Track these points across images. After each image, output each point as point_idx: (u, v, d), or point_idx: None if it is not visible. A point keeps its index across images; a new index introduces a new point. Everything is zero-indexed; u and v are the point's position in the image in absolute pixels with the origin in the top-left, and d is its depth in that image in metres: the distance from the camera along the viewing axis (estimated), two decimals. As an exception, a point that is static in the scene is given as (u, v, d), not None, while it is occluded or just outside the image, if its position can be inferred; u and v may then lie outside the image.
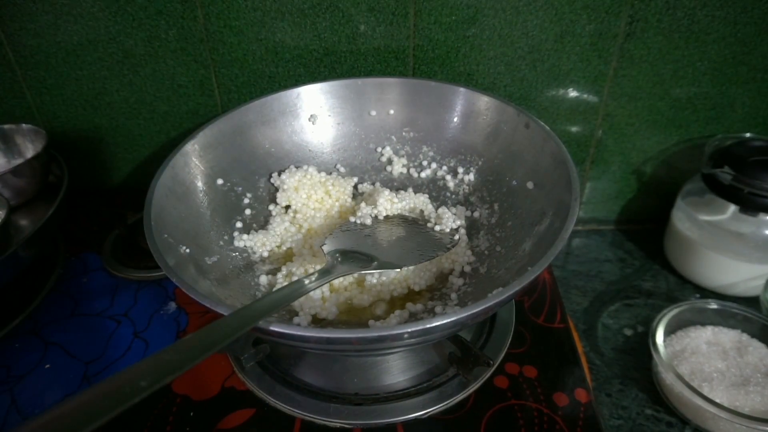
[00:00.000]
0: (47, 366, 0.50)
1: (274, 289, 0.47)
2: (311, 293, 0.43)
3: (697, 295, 0.61)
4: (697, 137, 0.64)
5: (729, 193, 0.56)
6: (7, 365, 0.50)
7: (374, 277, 0.48)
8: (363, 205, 0.52)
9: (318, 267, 0.48)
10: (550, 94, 0.62)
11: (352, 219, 0.51)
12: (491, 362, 0.44)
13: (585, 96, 0.61)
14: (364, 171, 0.60)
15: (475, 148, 0.56)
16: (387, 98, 0.58)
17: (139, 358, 0.50)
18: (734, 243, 0.58)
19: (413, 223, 0.51)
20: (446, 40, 0.59)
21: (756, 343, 0.51)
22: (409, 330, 0.32)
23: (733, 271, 0.58)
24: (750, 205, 0.55)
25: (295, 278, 0.48)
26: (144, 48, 0.61)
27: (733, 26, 0.56)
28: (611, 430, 0.48)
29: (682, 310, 0.52)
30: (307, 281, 0.38)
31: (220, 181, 0.52)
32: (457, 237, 0.50)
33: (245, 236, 0.52)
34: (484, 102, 0.54)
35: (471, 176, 0.56)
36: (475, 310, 0.33)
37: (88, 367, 0.50)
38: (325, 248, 0.45)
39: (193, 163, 0.50)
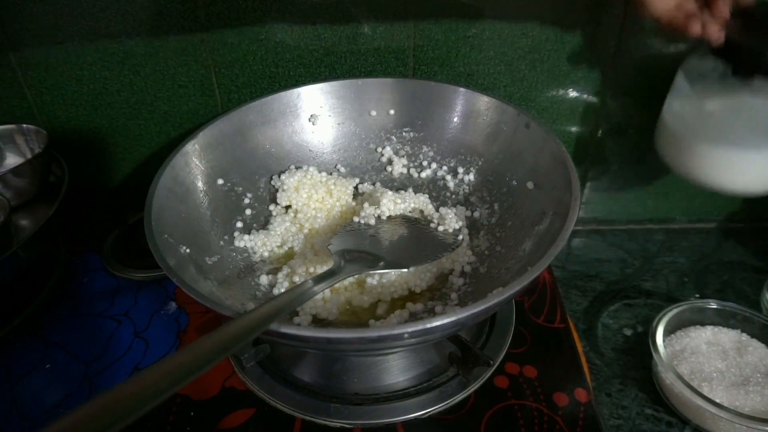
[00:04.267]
0: (48, 366, 0.50)
1: (275, 289, 0.48)
2: (312, 293, 0.43)
3: (697, 295, 0.61)
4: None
5: (746, 62, 0.47)
6: (8, 365, 0.50)
7: (374, 278, 0.48)
8: (366, 205, 0.52)
9: (320, 266, 0.48)
10: (550, 94, 0.62)
11: (356, 219, 0.51)
12: (491, 362, 0.44)
13: (585, 96, 0.61)
14: (365, 171, 0.60)
15: (475, 148, 0.56)
16: (387, 98, 0.58)
17: (140, 358, 0.50)
18: (741, 128, 0.50)
19: (416, 224, 0.52)
20: (446, 40, 0.59)
21: (756, 343, 0.51)
22: (409, 330, 0.32)
23: (740, 165, 0.50)
24: None
25: (296, 277, 0.48)
26: (144, 48, 0.61)
27: (733, 26, 0.56)
28: (611, 430, 0.48)
29: (681, 310, 0.52)
30: (315, 282, 0.38)
31: (220, 181, 0.52)
32: (460, 237, 0.50)
33: (246, 236, 0.52)
34: (484, 102, 0.55)
35: (471, 176, 0.56)
36: (475, 310, 0.33)
37: (89, 367, 0.50)
38: (332, 248, 0.45)
39: (194, 163, 0.50)
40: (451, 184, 0.57)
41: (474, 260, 0.50)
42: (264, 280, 0.49)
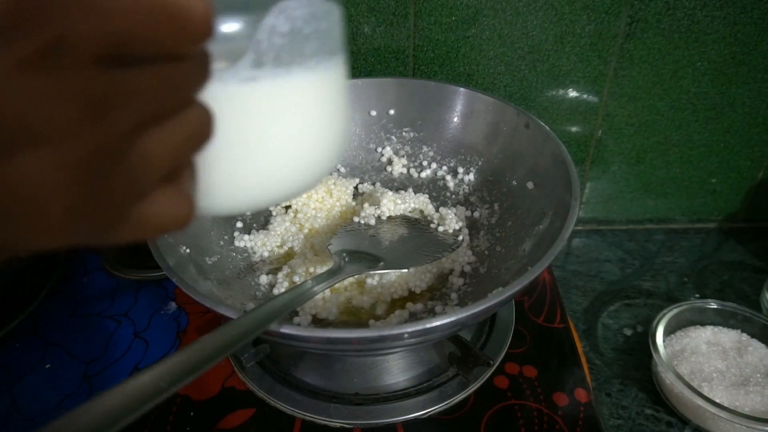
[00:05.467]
0: (47, 366, 0.50)
1: (275, 289, 0.48)
2: (311, 293, 0.43)
3: (697, 295, 0.61)
4: (697, 138, 0.64)
5: None
6: (7, 365, 0.50)
7: (374, 279, 0.48)
8: (366, 205, 0.52)
9: (320, 266, 0.48)
10: (550, 94, 0.62)
11: (356, 219, 0.51)
12: (491, 362, 0.44)
13: (585, 96, 0.61)
14: (365, 171, 0.60)
15: (475, 148, 0.56)
16: (387, 98, 0.58)
17: (140, 358, 0.50)
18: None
19: (416, 224, 0.52)
20: (446, 40, 0.59)
21: (756, 343, 0.51)
22: (409, 330, 0.32)
23: None
24: None
25: (296, 277, 0.48)
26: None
27: (733, 26, 0.56)
28: (611, 430, 0.48)
29: (682, 310, 0.52)
30: (316, 282, 0.38)
31: (220, 181, 0.52)
32: (460, 237, 0.50)
33: (246, 236, 0.52)
34: (484, 102, 0.54)
35: (471, 176, 0.56)
36: (475, 310, 0.33)
37: (89, 367, 0.50)
38: (332, 248, 0.45)
39: (194, 163, 0.50)
40: (451, 184, 0.57)
41: (474, 260, 0.50)
42: (264, 280, 0.49)
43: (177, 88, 0.17)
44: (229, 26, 0.23)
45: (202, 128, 0.19)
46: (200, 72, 0.18)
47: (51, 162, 0.13)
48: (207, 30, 0.17)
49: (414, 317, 0.45)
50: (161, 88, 0.16)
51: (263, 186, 0.26)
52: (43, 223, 0.14)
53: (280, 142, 0.25)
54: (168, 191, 0.19)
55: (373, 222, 0.50)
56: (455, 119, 0.57)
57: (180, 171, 0.20)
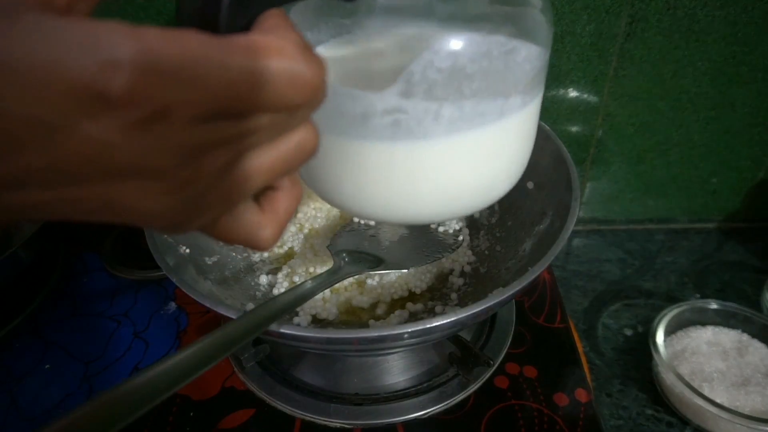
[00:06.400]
0: (47, 366, 0.50)
1: (275, 290, 0.48)
2: (311, 293, 0.43)
3: (697, 295, 0.61)
4: (697, 138, 0.64)
5: None
6: (7, 365, 0.50)
7: (374, 279, 0.48)
8: (364, 205, 0.52)
9: (320, 267, 0.48)
10: (550, 94, 0.62)
11: (356, 219, 0.51)
12: (491, 362, 0.44)
13: (585, 96, 0.61)
14: (364, 171, 0.60)
15: (475, 148, 0.56)
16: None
17: (140, 358, 0.50)
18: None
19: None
20: (446, 40, 0.59)
21: (756, 343, 0.51)
22: (409, 330, 0.32)
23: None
24: None
25: (296, 277, 0.48)
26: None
27: (733, 26, 0.56)
28: (611, 430, 0.48)
29: (682, 310, 0.52)
30: (316, 282, 0.38)
31: (220, 181, 0.52)
32: (460, 238, 0.50)
33: (245, 236, 0.52)
34: (484, 102, 0.54)
35: (471, 176, 0.56)
36: (475, 310, 0.33)
37: (88, 368, 0.50)
38: (332, 248, 0.45)
39: (194, 163, 0.50)
40: (451, 184, 0.57)
41: (474, 260, 0.50)
42: (264, 280, 0.49)
43: (276, 131, 0.19)
44: None
45: (301, 151, 0.20)
46: (306, 114, 0.19)
47: (151, 190, 0.16)
48: (315, 97, 0.18)
49: (414, 317, 0.45)
50: (258, 133, 0.18)
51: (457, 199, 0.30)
52: (151, 224, 0.18)
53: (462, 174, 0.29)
54: (255, 215, 0.21)
55: (373, 222, 0.50)
56: (455, 119, 0.57)
57: (278, 187, 0.22)
